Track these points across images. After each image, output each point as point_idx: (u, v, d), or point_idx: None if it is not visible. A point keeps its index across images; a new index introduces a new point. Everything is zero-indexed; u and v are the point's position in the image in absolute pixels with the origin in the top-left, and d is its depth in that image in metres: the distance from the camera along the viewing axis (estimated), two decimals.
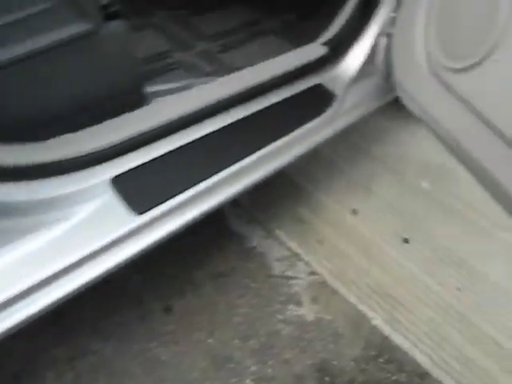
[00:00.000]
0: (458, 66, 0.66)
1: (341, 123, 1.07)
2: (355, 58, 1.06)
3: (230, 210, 1.37)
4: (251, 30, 1.38)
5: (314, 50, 1.07)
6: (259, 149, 0.98)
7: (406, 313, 1.18)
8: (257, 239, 1.31)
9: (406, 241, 1.34)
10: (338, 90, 1.05)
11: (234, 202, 1.36)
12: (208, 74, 1.18)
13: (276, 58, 1.07)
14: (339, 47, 1.06)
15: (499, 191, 0.62)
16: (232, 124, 0.99)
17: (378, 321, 1.16)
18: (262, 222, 1.35)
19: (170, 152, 0.94)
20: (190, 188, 0.93)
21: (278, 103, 1.04)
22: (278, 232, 1.33)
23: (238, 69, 1.17)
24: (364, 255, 1.29)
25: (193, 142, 0.95)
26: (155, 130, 0.93)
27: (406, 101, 0.87)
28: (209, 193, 0.97)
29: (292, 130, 1.01)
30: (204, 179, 0.94)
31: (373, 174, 1.52)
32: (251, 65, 1.13)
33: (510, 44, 0.56)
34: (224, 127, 0.99)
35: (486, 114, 0.58)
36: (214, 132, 0.96)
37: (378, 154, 1.58)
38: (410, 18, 0.79)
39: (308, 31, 1.35)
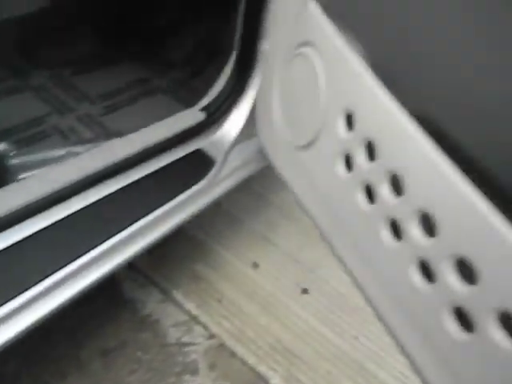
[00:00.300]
0: (300, 143, 0.69)
1: (223, 187, 1.07)
2: (234, 122, 1.08)
3: (123, 274, 1.31)
4: (139, 89, 1.36)
5: (192, 116, 1.07)
6: (136, 220, 0.95)
7: (305, 368, 1.18)
8: (152, 304, 1.25)
9: (305, 291, 1.36)
10: (217, 154, 1.05)
11: (129, 264, 1.30)
12: (88, 141, 1.13)
13: (155, 124, 1.05)
14: (217, 113, 1.07)
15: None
16: (106, 197, 0.95)
17: (276, 380, 1.15)
18: (159, 284, 1.31)
19: (43, 229, 0.89)
20: (65, 266, 0.88)
21: (157, 170, 1.02)
22: (175, 293, 1.29)
23: (120, 134, 1.14)
24: (264, 311, 1.29)
25: (62, 219, 0.90)
26: (21, 209, 0.87)
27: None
28: (87, 269, 0.91)
29: (172, 197, 0.99)
30: (77, 257, 0.89)
31: (272, 223, 1.54)
32: (135, 128, 1.11)
33: (329, 128, 0.59)
34: (98, 200, 0.95)
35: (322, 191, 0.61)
36: (83, 208, 0.91)
37: (277, 201, 1.61)
38: (266, 89, 0.82)
39: (197, 89, 1.37)
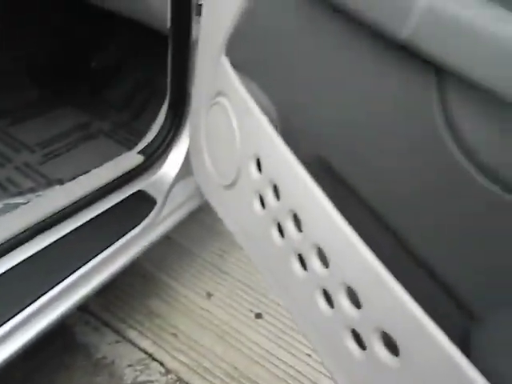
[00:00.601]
0: (225, 183, 0.75)
1: (166, 225, 1.11)
2: (173, 162, 1.13)
3: (75, 318, 1.31)
4: (79, 134, 1.39)
5: (131, 159, 1.11)
6: (81, 265, 0.97)
7: None
8: (106, 346, 1.26)
9: (258, 316, 1.41)
10: (158, 194, 1.10)
11: (81, 307, 1.30)
12: (28, 191, 1.15)
13: (94, 170, 1.09)
14: (155, 154, 1.11)
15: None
16: (49, 245, 0.97)
17: None
18: (112, 325, 1.31)
19: None
20: (11, 318, 0.88)
21: (100, 214, 1.05)
22: (129, 333, 1.30)
23: (61, 181, 1.16)
24: (220, 340, 1.32)
25: (4, 272, 0.91)
26: None
27: None
28: (34, 319, 0.92)
29: (116, 239, 1.02)
30: (23, 308, 0.90)
31: (224, 252, 1.59)
32: (75, 175, 1.14)
33: (245, 170, 0.66)
34: (42, 249, 0.96)
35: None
36: (28, 258, 0.93)
37: (226, 231, 1.65)
38: (195, 132, 0.88)
39: (138, 130, 1.41)
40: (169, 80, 1.13)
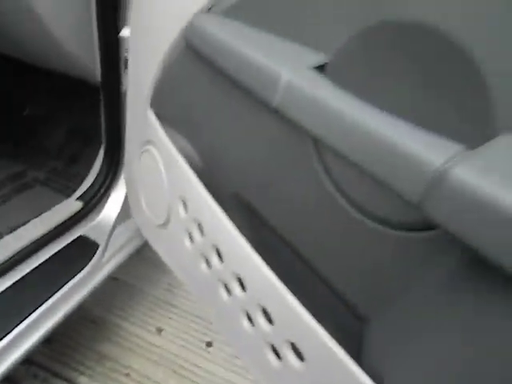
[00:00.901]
0: (159, 222, 0.82)
1: (109, 267, 1.14)
2: (112, 206, 1.18)
3: (22, 372, 1.28)
4: (14, 184, 1.40)
5: (69, 206, 1.15)
6: (23, 318, 0.98)
7: None
8: None
9: (209, 344, 1.45)
10: (99, 238, 1.14)
11: (28, 360, 1.29)
12: None
13: (32, 221, 1.11)
14: (93, 200, 1.16)
15: None
16: None
17: None
18: (62, 374, 1.30)
19: None
20: None
21: (42, 263, 1.07)
22: (81, 379, 1.30)
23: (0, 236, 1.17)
24: (173, 374, 1.35)
25: None
26: None
27: None
28: None
29: (59, 288, 1.04)
30: None
31: (171, 286, 1.63)
32: (13, 227, 1.15)
33: (174, 211, 0.73)
34: None
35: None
36: None
37: None
38: (130, 175, 0.95)
39: (75, 176, 1.44)
40: (103, 128, 1.19)
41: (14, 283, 1.03)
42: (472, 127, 0.37)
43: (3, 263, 1.02)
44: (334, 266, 0.50)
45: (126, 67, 1.08)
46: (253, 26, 0.53)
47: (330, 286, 0.50)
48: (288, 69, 0.43)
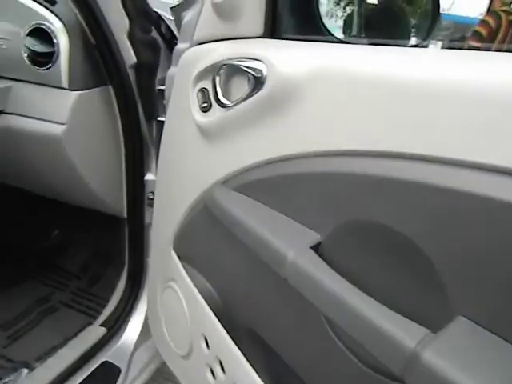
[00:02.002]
0: (181, 353, 0.90)
1: None
2: (133, 330, 1.26)
3: None
4: (41, 308, 1.49)
5: (94, 333, 1.23)
6: None
7: None
8: None
9: None
10: (121, 362, 1.20)
11: None
12: None
13: (59, 351, 1.18)
14: (116, 325, 1.24)
15: None
16: None
17: None
18: None
19: None
20: None
21: None
22: None
23: (27, 364, 1.24)
24: None
25: None
26: None
27: None
28: None
29: None
30: None
31: None
32: (41, 355, 1.24)
33: (196, 346, 0.82)
34: None
35: None
36: None
37: None
38: (153, 306, 1.04)
39: (97, 297, 1.54)
40: (127, 254, 1.31)
41: None
42: (431, 309, 0.49)
43: None
44: None
45: (148, 205, 1.24)
46: (259, 201, 0.67)
47: None
48: (292, 249, 0.56)
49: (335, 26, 0.76)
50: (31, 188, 1.39)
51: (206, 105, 0.76)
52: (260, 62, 0.63)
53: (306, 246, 0.57)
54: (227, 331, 0.75)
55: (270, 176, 0.65)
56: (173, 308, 0.94)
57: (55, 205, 1.42)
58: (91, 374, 1.16)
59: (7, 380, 1.18)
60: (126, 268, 1.32)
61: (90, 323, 1.29)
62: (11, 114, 1.16)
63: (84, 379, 1.14)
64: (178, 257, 0.93)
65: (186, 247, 0.93)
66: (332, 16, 0.76)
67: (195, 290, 0.85)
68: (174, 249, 0.95)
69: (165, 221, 1.00)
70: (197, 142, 0.80)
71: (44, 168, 1.23)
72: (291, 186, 0.63)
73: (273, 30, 0.71)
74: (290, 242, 0.58)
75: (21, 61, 1.10)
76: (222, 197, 0.73)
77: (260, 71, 0.63)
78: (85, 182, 1.22)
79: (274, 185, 0.65)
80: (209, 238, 0.85)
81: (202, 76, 0.75)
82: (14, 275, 1.62)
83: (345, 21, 0.82)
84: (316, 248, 0.59)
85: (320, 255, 0.58)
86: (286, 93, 0.60)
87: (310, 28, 0.77)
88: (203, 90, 0.76)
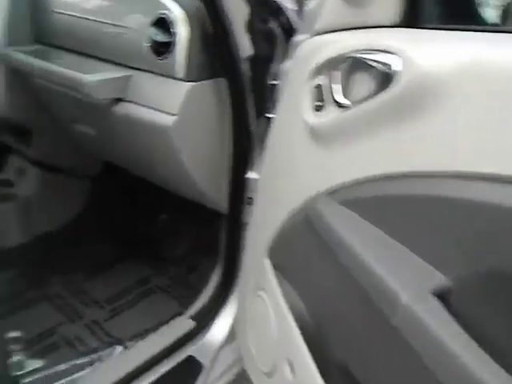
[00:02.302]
0: (264, 369, 0.83)
1: None
2: (221, 327, 1.23)
3: None
4: (140, 289, 1.55)
5: (184, 324, 1.23)
6: None
7: None
8: None
9: None
10: (205, 359, 1.18)
11: None
12: (91, 351, 1.27)
13: (151, 336, 1.20)
14: (205, 319, 1.23)
15: None
16: None
17: None
18: None
19: None
20: None
21: (154, 381, 1.13)
22: None
23: (120, 341, 1.29)
24: None
25: None
26: None
27: None
28: None
29: None
30: None
31: None
32: (133, 335, 1.28)
33: (280, 368, 0.74)
34: None
35: None
36: None
37: None
38: (242, 313, 0.99)
39: (191, 286, 1.55)
40: (222, 251, 1.29)
41: None
42: None
43: (126, 375, 1.10)
44: None
45: (248, 203, 1.19)
46: (366, 220, 0.56)
47: None
48: (407, 291, 0.45)
49: (494, 14, 0.61)
50: (141, 173, 1.44)
51: (319, 103, 0.67)
52: (393, 56, 0.52)
53: (425, 289, 0.45)
54: (316, 362, 0.66)
55: (388, 194, 0.54)
56: (260, 319, 0.88)
57: (164, 192, 1.45)
58: (175, 367, 1.16)
59: (102, 354, 1.24)
60: (221, 264, 1.29)
61: (181, 313, 1.29)
62: (130, 101, 1.19)
63: (168, 371, 1.15)
64: (272, 266, 0.87)
65: (282, 256, 0.86)
66: (489, 4, 0.61)
67: (286, 306, 0.78)
68: (269, 256, 0.88)
69: (262, 224, 0.94)
70: (306, 144, 0.72)
71: (152, 156, 1.25)
72: (413, 209, 0.51)
73: (412, 18, 0.58)
74: (406, 281, 0.47)
75: (140, 50, 1.12)
76: (327, 209, 0.63)
77: (389, 66, 0.52)
78: (189, 174, 1.22)
79: (391, 206, 0.54)
80: (307, 252, 0.77)
81: (319, 70, 0.67)
82: (120, 254, 1.72)
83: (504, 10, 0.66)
84: (438, 293, 0.46)
85: (444, 303, 0.46)
86: (424, 92, 0.49)
87: (461, 16, 0.63)
88: (319, 87, 0.67)
